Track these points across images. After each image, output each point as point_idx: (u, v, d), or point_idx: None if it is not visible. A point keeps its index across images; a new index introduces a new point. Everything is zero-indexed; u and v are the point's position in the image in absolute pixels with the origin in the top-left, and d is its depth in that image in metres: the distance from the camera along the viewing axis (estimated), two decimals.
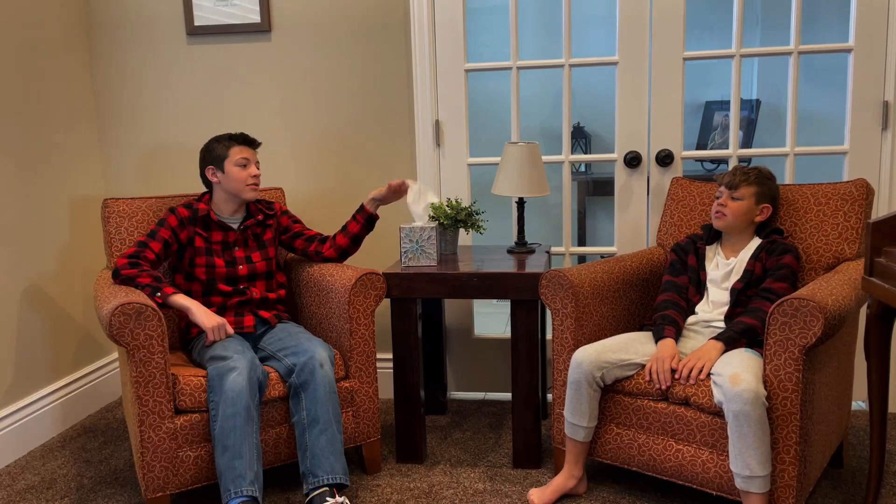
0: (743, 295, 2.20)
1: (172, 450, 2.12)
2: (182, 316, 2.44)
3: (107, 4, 3.05)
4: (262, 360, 2.33)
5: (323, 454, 2.14)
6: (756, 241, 2.27)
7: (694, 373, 2.03)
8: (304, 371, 2.19)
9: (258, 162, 2.51)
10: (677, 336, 2.19)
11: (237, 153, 2.44)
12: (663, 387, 2.06)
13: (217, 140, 2.48)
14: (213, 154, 2.46)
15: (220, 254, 2.46)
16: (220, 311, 2.42)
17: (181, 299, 2.25)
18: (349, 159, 3.00)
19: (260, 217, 2.54)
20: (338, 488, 2.14)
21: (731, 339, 2.08)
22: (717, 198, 2.28)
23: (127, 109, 3.11)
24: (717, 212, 2.27)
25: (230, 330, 2.29)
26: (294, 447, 2.27)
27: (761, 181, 2.25)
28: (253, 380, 2.12)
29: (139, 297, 2.11)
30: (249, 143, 2.49)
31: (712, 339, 2.10)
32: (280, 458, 2.28)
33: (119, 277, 2.29)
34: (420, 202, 2.49)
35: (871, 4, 2.61)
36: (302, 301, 2.60)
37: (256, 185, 2.47)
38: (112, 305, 2.04)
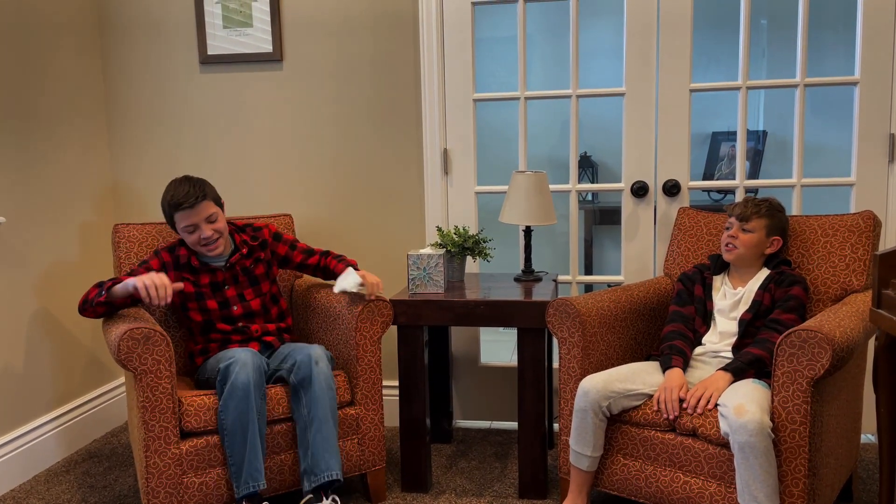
0: (751, 326, 2.19)
1: (177, 476, 2.11)
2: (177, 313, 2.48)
3: (121, 34, 3.11)
4: (269, 377, 2.35)
5: (319, 453, 2.20)
6: (765, 272, 2.26)
7: (702, 403, 2.02)
8: (301, 368, 2.24)
9: (212, 214, 2.33)
10: (685, 366, 2.19)
11: (181, 220, 2.33)
12: (671, 416, 2.05)
13: (163, 203, 2.36)
14: (165, 215, 2.38)
15: (211, 295, 2.42)
16: (223, 345, 2.42)
17: (121, 285, 2.18)
18: (358, 187, 3.03)
19: (245, 251, 2.46)
20: (331, 485, 2.23)
21: (738, 369, 2.07)
22: (728, 229, 2.28)
23: (140, 136, 3.15)
24: (727, 244, 2.27)
25: (167, 289, 2.16)
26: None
27: (772, 213, 2.26)
28: (259, 371, 2.19)
29: (147, 321, 2.12)
30: (189, 206, 2.29)
31: (720, 369, 2.09)
32: (285, 485, 2.27)
33: (82, 310, 2.24)
34: (347, 282, 2.37)
35: (876, 38, 2.64)
36: (309, 327, 2.61)
37: (213, 244, 2.35)
38: (121, 330, 2.05)
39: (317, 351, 2.28)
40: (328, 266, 2.53)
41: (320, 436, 2.21)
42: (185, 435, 2.15)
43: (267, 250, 2.53)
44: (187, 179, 2.35)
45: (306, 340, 2.63)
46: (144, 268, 2.35)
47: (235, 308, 2.44)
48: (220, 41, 3.01)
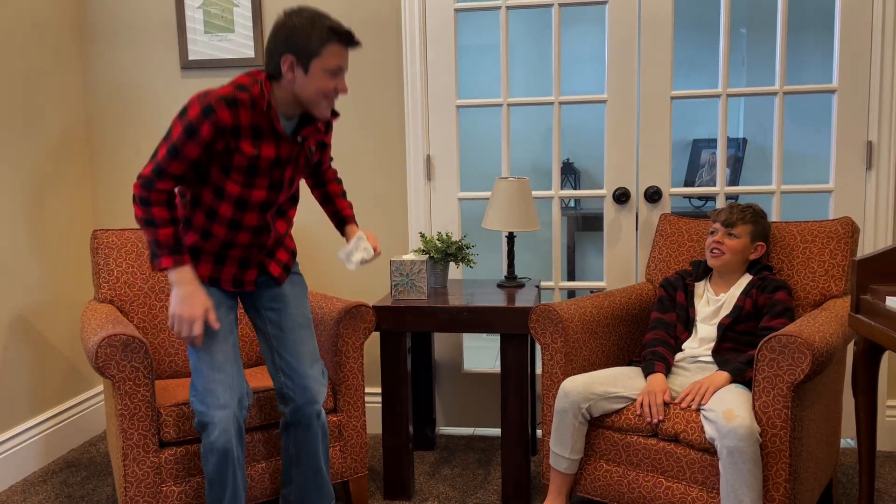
0: (730, 330, 2.21)
1: (156, 485, 2.08)
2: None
3: (101, 37, 3.08)
4: (252, 322, 2.10)
5: (308, 494, 2.13)
6: (747, 278, 2.28)
7: (698, 397, 2.02)
8: (301, 414, 2.08)
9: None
10: (667, 372, 2.19)
11: (333, 56, 1.82)
12: (654, 420, 2.05)
13: (312, 24, 1.80)
14: (300, 42, 1.80)
15: (265, 173, 1.89)
16: (219, 261, 1.97)
17: (174, 275, 1.85)
18: None
19: (320, 125, 1.98)
20: None
21: (737, 369, 2.08)
22: (713, 234, 2.30)
23: (119, 141, 3.12)
24: (713, 249, 2.28)
25: (197, 327, 1.85)
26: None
27: (756, 219, 2.29)
28: (240, 424, 1.97)
29: (126, 328, 2.09)
30: (353, 44, 1.85)
31: (720, 369, 2.11)
32: (265, 493, 2.25)
33: (141, 213, 1.82)
34: (356, 254, 2.08)
35: (854, 47, 2.67)
36: None
37: (333, 102, 1.89)
38: (99, 337, 2.03)
39: (321, 396, 2.09)
40: (340, 210, 2.16)
41: (317, 478, 2.12)
42: (164, 444, 2.12)
43: (329, 134, 2.06)
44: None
45: None
46: (197, 140, 1.79)
47: (282, 194, 1.96)
48: (202, 46, 3.00)
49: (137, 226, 1.87)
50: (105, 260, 2.54)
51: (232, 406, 1.95)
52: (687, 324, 2.30)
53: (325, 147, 2.08)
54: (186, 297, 1.85)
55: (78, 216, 3.08)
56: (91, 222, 3.15)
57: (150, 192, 1.82)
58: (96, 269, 2.54)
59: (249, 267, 2.02)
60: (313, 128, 1.96)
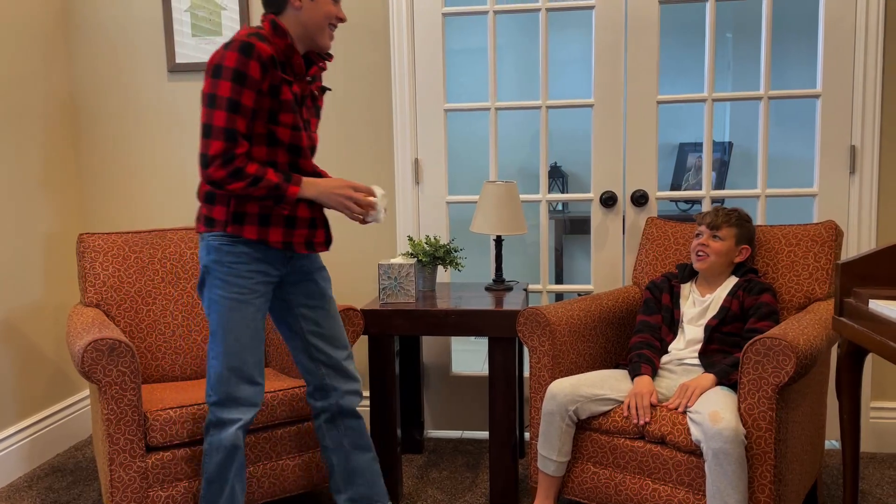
0: (717, 332, 2.22)
1: (143, 489, 2.07)
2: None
3: (88, 40, 3.07)
4: (280, 323, 2.06)
5: (377, 480, 2.15)
6: (733, 280, 2.30)
7: (684, 400, 2.04)
8: (349, 401, 2.10)
9: None
10: (653, 375, 2.21)
11: None
12: (641, 422, 2.06)
13: None
14: None
15: (297, 108, 1.88)
16: (290, 223, 1.92)
17: (305, 191, 1.85)
18: None
19: (323, 65, 1.97)
20: None
21: (722, 371, 2.09)
22: (698, 237, 2.32)
23: (106, 144, 3.11)
24: (699, 252, 2.30)
25: (362, 199, 1.84)
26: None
27: (741, 223, 2.31)
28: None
29: (113, 332, 2.08)
30: None
31: (705, 372, 2.12)
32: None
33: (234, 190, 1.79)
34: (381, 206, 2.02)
35: (838, 52, 2.70)
36: (278, 337, 2.59)
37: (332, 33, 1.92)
38: (85, 341, 2.02)
39: (359, 380, 2.15)
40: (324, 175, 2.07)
41: (375, 464, 2.15)
42: (151, 448, 2.11)
43: (321, 98, 2.04)
44: None
45: (275, 349, 2.61)
46: (250, 84, 1.76)
47: (306, 138, 1.93)
48: (189, 49, 2.99)
49: (243, 195, 1.82)
50: (91, 263, 2.52)
51: (255, 406, 1.98)
52: (672, 325, 2.32)
53: (318, 109, 2.05)
54: (324, 191, 1.87)
55: (64, 219, 3.06)
56: (79, 224, 3.14)
57: (233, 160, 1.77)
58: (82, 273, 2.52)
59: (317, 227, 1.99)
60: (317, 67, 1.97)
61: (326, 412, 2.12)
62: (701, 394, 2.04)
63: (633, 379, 2.18)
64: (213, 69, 1.78)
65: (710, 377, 2.08)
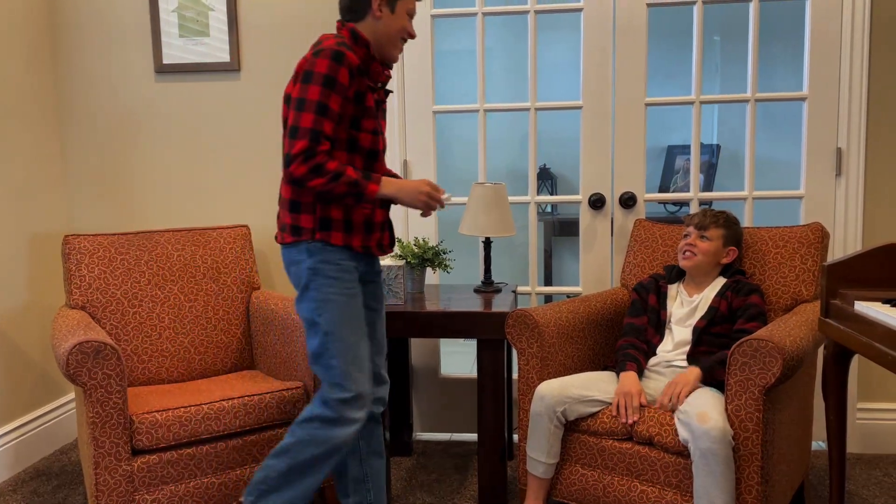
0: (706, 333, 2.23)
1: (129, 493, 2.06)
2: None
3: (74, 40, 3.04)
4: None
5: (384, 488, 2.14)
6: (721, 280, 2.31)
7: (674, 398, 2.04)
8: (378, 405, 2.12)
9: None
10: (639, 373, 2.21)
11: (410, 3, 1.99)
12: (629, 421, 2.06)
13: None
14: None
15: (374, 114, 1.96)
16: (368, 228, 1.98)
17: (384, 188, 1.90)
18: None
19: (389, 73, 2.03)
20: None
21: (709, 367, 2.10)
22: (686, 237, 2.33)
23: (92, 145, 3.09)
24: (686, 252, 2.31)
25: (435, 194, 1.91)
26: None
27: (729, 225, 2.32)
28: None
29: (98, 334, 2.07)
30: None
31: (691, 366, 2.13)
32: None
33: (315, 188, 1.83)
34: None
35: (824, 55, 2.72)
36: (267, 339, 2.58)
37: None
38: (70, 344, 2.00)
39: (388, 385, 2.17)
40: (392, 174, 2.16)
41: (380, 474, 2.14)
42: (137, 452, 2.10)
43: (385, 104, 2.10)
44: None
45: (262, 353, 2.60)
46: (338, 90, 1.83)
47: (382, 142, 2.02)
48: (177, 50, 2.97)
49: (324, 192, 1.84)
50: (77, 265, 2.50)
51: (368, 406, 1.98)
52: (658, 327, 2.32)
53: (384, 113, 2.12)
54: (404, 189, 1.92)
55: (50, 220, 3.03)
56: (65, 226, 3.11)
57: (314, 156, 1.81)
58: (68, 275, 2.50)
59: (385, 230, 2.05)
60: (385, 76, 2.02)
61: None
62: (690, 391, 2.05)
63: (618, 375, 2.19)
64: (304, 75, 1.84)
65: (696, 371, 2.09)
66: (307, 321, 1.96)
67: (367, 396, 1.97)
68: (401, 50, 2.01)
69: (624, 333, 2.34)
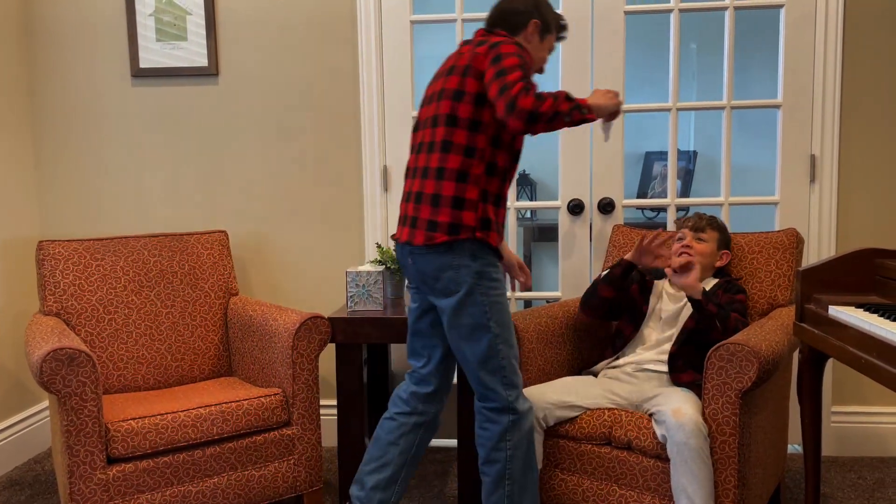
0: (695, 333, 2.21)
1: (104, 502, 2.03)
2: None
3: (49, 44, 3.01)
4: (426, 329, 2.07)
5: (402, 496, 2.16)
6: (713, 281, 2.32)
7: (683, 259, 2.17)
8: (438, 413, 2.13)
9: None
10: (626, 270, 2.29)
11: (555, 39, 2.05)
12: (655, 241, 2.21)
13: (551, 6, 2.04)
14: (547, 14, 2.00)
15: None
16: (499, 229, 1.97)
17: (591, 99, 1.87)
18: (296, 203, 2.99)
19: None
20: None
21: (706, 299, 2.12)
22: (680, 240, 2.33)
23: (67, 149, 3.05)
24: (682, 253, 2.28)
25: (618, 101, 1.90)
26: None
27: (722, 229, 2.36)
28: None
29: (73, 342, 2.04)
30: (559, 39, 2.09)
31: (668, 377, 2.17)
32: None
33: (546, 114, 1.74)
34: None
35: (798, 63, 2.76)
36: (245, 346, 2.56)
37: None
38: (43, 351, 1.97)
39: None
40: None
41: (406, 480, 2.14)
42: (113, 460, 2.07)
43: None
44: None
45: (241, 359, 2.58)
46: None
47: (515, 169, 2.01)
48: (154, 54, 2.95)
49: (553, 115, 1.76)
50: (51, 271, 2.47)
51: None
52: (633, 317, 2.32)
53: None
54: (603, 97, 1.89)
55: (23, 225, 2.99)
56: (38, 231, 3.07)
57: (530, 88, 1.75)
58: (42, 281, 2.47)
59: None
60: None
61: (423, 416, 2.10)
62: (695, 276, 2.11)
63: (619, 263, 2.28)
64: (493, 44, 1.86)
65: (699, 287, 2.13)
66: (472, 326, 1.91)
67: (525, 397, 2.00)
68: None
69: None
